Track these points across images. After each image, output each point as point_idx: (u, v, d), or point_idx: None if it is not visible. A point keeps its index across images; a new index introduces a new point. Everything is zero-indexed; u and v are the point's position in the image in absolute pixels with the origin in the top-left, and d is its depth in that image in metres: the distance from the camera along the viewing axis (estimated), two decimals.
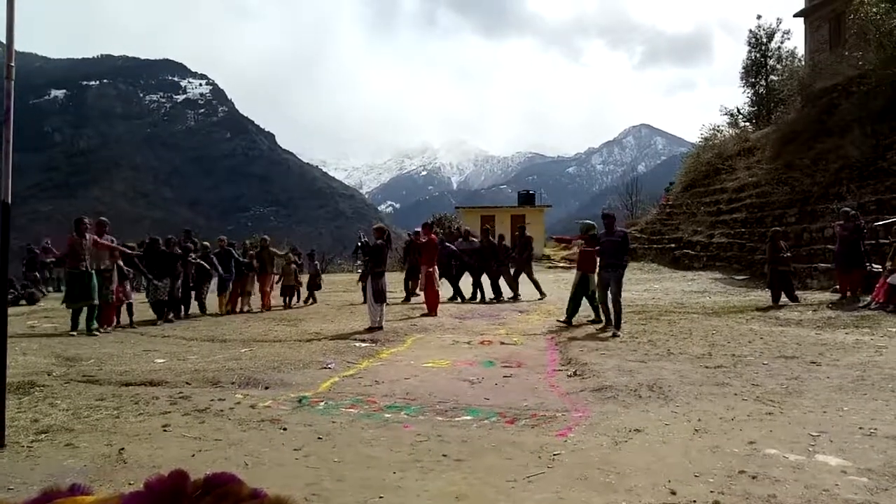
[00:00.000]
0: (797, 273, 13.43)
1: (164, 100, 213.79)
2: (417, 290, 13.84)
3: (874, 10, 17.24)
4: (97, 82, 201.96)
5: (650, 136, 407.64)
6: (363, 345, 8.64)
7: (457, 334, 9.48)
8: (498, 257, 14.37)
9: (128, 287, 10.93)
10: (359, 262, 20.35)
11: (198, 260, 12.37)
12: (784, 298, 11.59)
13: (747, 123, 28.84)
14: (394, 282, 14.72)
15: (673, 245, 22.47)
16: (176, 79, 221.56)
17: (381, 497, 3.31)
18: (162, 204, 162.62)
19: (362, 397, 5.57)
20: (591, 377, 6.26)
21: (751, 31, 30.01)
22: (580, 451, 4.02)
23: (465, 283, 14.56)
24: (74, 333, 9.65)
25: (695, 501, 3.17)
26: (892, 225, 11.57)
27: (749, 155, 22.76)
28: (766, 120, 27.47)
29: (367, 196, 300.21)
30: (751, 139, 24.38)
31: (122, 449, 4.05)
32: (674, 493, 3.28)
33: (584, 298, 10.27)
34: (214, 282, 12.89)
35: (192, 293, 12.43)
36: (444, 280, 13.78)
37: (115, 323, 10.60)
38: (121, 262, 10.63)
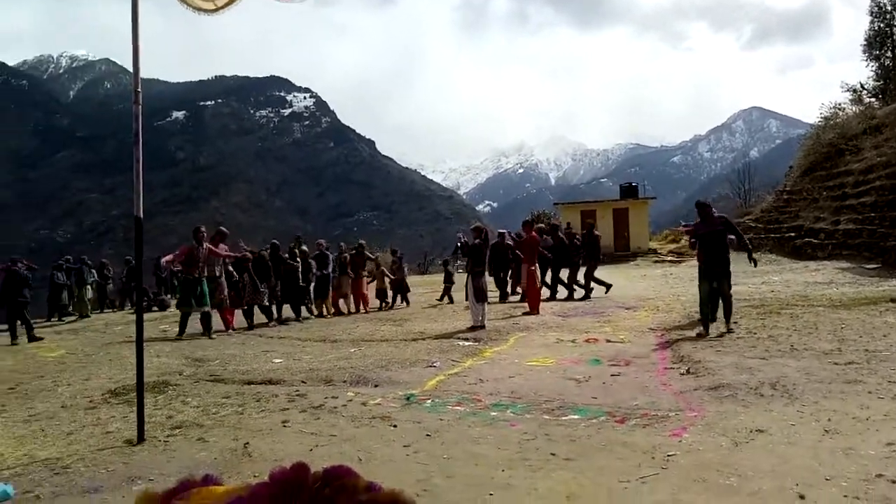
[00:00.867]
0: None
1: (272, 114, 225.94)
2: (518, 289, 13.77)
3: None
4: (213, 102, 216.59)
5: (762, 119, 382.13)
6: (466, 343, 8.70)
7: (560, 332, 9.33)
8: (571, 255, 13.99)
9: (256, 290, 11.39)
10: (459, 262, 20.53)
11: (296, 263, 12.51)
12: None
13: (872, 99, 26.42)
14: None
15: (793, 234, 20.95)
16: (282, 94, 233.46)
17: (490, 494, 3.31)
18: (274, 213, 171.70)
19: (468, 395, 5.61)
20: (705, 375, 5.96)
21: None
22: (696, 451, 3.83)
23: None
24: (182, 338, 9.98)
25: None
26: None
27: (876, 133, 20.81)
28: (893, 95, 25.03)
29: (464, 197, 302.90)
30: (878, 116, 22.30)
31: (247, 443, 4.31)
32: (802, 497, 3.06)
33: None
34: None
35: (306, 296, 12.88)
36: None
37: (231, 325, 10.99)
38: (231, 268, 11.12)
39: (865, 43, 27.86)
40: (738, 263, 9.17)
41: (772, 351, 6.83)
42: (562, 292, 13.89)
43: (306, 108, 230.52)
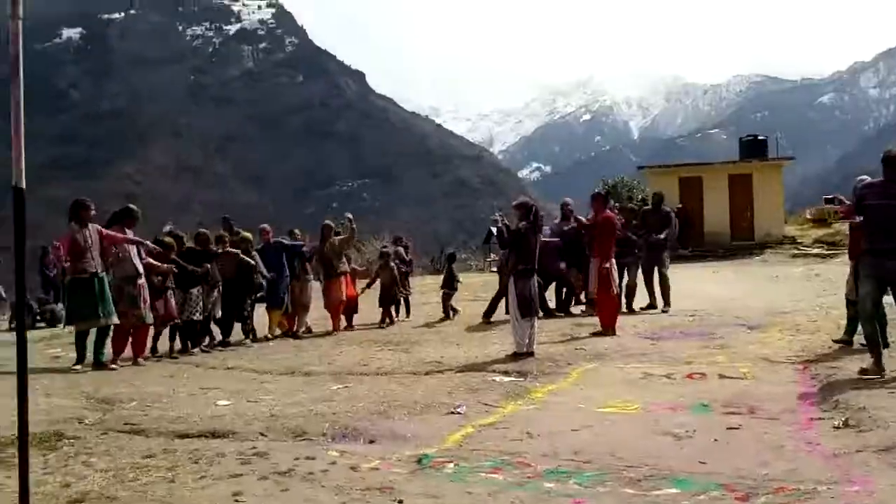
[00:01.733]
0: None
1: (210, 33, 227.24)
2: (586, 296, 13.73)
3: None
4: (121, 14, 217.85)
5: None
6: (506, 379, 8.73)
7: (649, 362, 9.33)
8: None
9: (171, 301, 11.45)
10: (492, 255, 20.55)
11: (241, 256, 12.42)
12: None
13: None
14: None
15: None
16: (226, 1, 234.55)
17: None
18: (215, 182, 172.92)
19: (510, 457, 5.62)
20: (873, 430, 5.92)
21: None
22: None
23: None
24: (79, 368, 10.00)
25: None
26: None
27: None
28: None
29: (500, 157, 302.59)
30: None
31: None
32: None
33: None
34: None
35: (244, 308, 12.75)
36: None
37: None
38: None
39: None
40: None
41: None
42: (640, 298, 13.90)
43: (262, 21, 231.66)
